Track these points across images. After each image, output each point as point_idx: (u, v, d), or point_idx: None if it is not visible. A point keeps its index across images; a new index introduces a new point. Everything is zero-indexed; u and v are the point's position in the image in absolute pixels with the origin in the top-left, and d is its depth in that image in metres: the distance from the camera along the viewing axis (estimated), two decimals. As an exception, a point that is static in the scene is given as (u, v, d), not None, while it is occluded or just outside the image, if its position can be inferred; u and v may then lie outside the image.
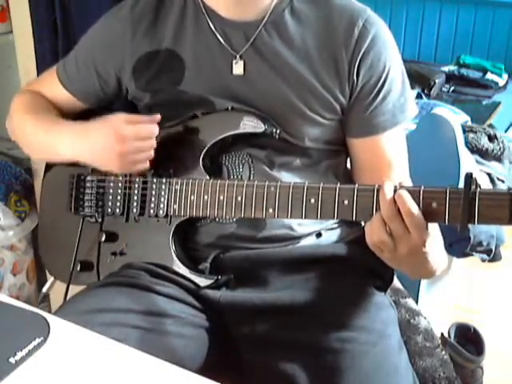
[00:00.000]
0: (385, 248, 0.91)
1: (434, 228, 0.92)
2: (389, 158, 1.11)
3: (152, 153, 1.08)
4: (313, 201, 0.97)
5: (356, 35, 1.06)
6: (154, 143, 1.07)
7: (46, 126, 1.16)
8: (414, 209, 0.88)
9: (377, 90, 1.08)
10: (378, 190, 0.92)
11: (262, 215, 1.01)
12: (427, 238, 0.90)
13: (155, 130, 1.07)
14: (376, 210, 0.92)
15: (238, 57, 1.08)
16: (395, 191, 0.90)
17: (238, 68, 1.08)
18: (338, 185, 0.96)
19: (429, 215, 0.89)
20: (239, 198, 1.03)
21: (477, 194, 0.86)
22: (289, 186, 0.99)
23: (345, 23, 1.07)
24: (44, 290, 1.38)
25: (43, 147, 1.18)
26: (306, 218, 0.98)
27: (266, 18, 1.08)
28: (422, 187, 0.90)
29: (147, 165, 1.09)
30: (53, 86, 1.25)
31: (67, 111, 1.24)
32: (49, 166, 1.27)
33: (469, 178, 0.87)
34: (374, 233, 0.91)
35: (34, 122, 1.19)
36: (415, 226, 0.88)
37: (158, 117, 1.08)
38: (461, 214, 0.87)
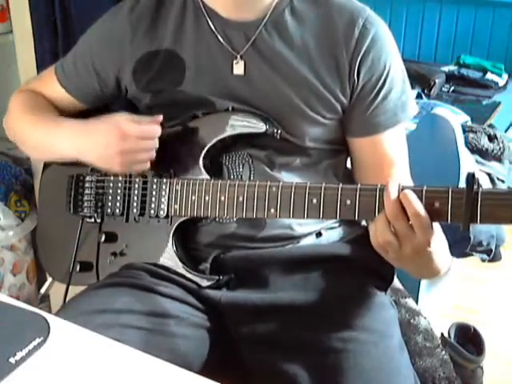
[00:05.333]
0: (390, 248, 0.91)
1: (437, 227, 0.92)
2: (390, 156, 1.11)
3: (154, 153, 1.08)
4: (315, 201, 0.97)
5: (356, 35, 1.06)
6: (156, 143, 1.08)
7: (46, 125, 1.16)
8: (420, 209, 0.88)
9: (377, 89, 1.08)
10: (380, 190, 0.93)
11: (263, 215, 1.01)
12: (432, 237, 0.90)
13: (158, 130, 1.07)
14: (379, 210, 0.92)
15: (238, 57, 1.08)
16: (399, 191, 0.90)
17: (238, 68, 1.08)
18: (341, 185, 0.96)
19: (431, 215, 0.89)
20: (240, 199, 1.02)
21: (479, 193, 0.87)
22: (291, 186, 0.99)
23: (345, 22, 1.07)
24: (42, 290, 1.38)
25: (43, 147, 1.18)
26: (308, 218, 0.99)
27: (266, 18, 1.08)
28: (425, 187, 0.90)
29: (148, 165, 1.09)
30: (52, 86, 1.24)
31: (66, 111, 1.24)
32: (46, 166, 1.27)
33: (471, 177, 0.87)
34: (378, 233, 0.91)
35: (32, 121, 1.18)
36: (421, 225, 0.88)
37: (160, 117, 1.09)
38: (463, 214, 0.87)
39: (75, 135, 1.11)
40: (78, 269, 1.18)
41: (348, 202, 0.94)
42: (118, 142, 1.05)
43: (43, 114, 1.19)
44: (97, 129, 1.09)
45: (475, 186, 0.87)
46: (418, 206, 0.88)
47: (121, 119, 1.07)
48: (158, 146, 1.08)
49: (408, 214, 0.88)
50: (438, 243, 0.92)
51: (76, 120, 1.15)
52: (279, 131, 1.08)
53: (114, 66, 1.16)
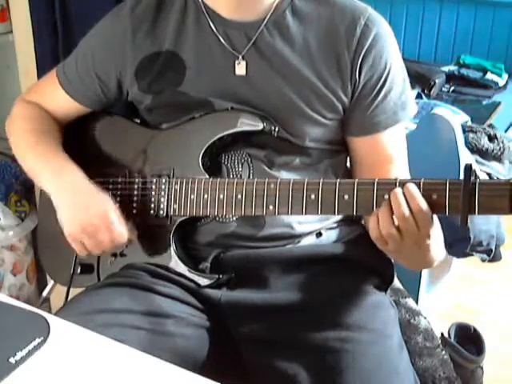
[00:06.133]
0: (391, 240, 0.92)
1: (435, 219, 0.93)
2: (389, 155, 1.11)
3: (105, 250, 1.09)
4: (313, 196, 0.97)
5: (358, 34, 1.06)
6: (113, 248, 1.09)
7: (44, 158, 1.15)
8: (423, 205, 0.89)
9: (378, 88, 1.08)
10: (378, 184, 0.93)
11: (262, 212, 1.01)
12: (432, 229, 0.91)
13: (124, 240, 1.08)
14: (376, 204, 0.92)
15: (240, 57, 1.08)
16: (402, 186, 0.90)
17: (240, 69, 1.08)
18: (338, 180, 0.96)
19: (430, 207, 0.90)
20: (239, 196, 1.03)
21: (476, 184, 0.87)
22: (289, 182, 1.00)
23: (346, 22, 1.07)
24: (44, 293, 1.38)
25: (33, 174, 1.17)
26: (306, 214, 0.99)
27: (267, 18, 1.07)
28: (422, 179, 0.91)
29: (96, 252, 1.10)
30: (53, 91, 1.23)
31: (69, 115, 1.23)
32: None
33: (468, 169, 0.87)
34: (381, 226, 0.91)
35: (32, 148, 1.17)
36: (424, 220, 0.89)
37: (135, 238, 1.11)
38: (461, 205, 0.87)
39: (64, 186, 1.11)
40: (78, 271, 1.18)
41: (346, 196, 0.95)
42: (94, 221, 1.05)
43: (44, 142, 1.17)
44: (90, 195, 1.08)
45: (472, 178, 0.87)
46: (421, 201, 0.89)
47: (115, 212, 1.07)
48: (111, 250, 1.10)
49: (412, 210, 0.89)
50: (436, 235, 0.93)
51: (73, 165, 1.13)
52: (277, 129, 1.08)
53: (116, 67, 1.15)
